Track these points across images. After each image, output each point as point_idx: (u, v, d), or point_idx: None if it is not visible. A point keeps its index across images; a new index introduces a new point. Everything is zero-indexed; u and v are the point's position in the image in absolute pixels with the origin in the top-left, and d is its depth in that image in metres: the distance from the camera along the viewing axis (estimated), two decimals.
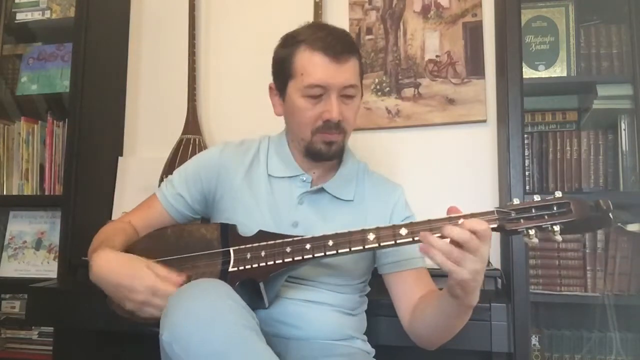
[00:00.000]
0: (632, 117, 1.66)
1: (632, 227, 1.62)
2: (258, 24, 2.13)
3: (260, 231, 1.12)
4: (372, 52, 2.00)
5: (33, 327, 2.03)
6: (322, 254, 1.04)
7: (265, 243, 1.08)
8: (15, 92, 2.16)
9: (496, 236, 1.76)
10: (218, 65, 2.18)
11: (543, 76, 1.76)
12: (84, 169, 1.96)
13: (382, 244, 1.01)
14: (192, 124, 2.04)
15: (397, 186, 1.32)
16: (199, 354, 0.85)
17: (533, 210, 0.95)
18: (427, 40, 1.96)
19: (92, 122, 2.02)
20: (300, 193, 1.22)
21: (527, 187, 1.69)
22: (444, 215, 0.97)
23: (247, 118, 2.07)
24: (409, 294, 1.19)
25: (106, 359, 1.86)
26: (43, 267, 2.07)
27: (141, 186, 2.04)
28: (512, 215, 0.95)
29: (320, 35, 1.15)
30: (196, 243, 1.15)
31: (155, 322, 0.95)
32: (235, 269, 1.08)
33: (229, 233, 1.14)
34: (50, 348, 1.88)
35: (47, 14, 2.13)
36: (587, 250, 1.65)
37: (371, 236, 1.02)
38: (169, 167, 1.91)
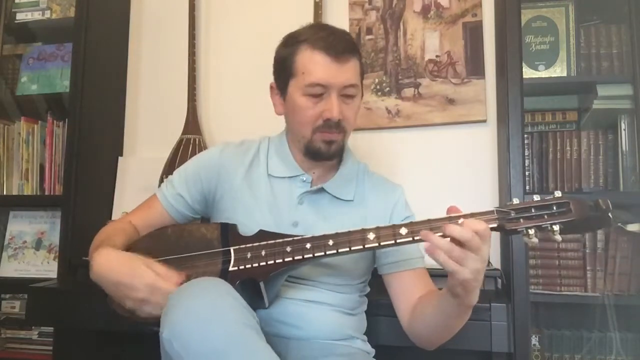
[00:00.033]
0: (632, 117, 1.66)
1: (632, 227, 1.62)
2: (258, 24, 2.14)
3: (260, 231, 1.12)
4: (372, 52, 2.00)
5: (33, 327, 2.02)
6: (322, 253, 1.04)
7: (265, 242, 1.08)
8: (15, 92, 2.16)
9: (496, 236, 1.77)
10: (218, 65, 2.18)
11: (543, 76, 1.76)
12: (84, 169, 1.96)
13: (382, 244, 1.01)
14: (192, 124, 2.04)
15: (397, 186, 1.33)
16: (199, 352, 0.85)
17: (533, 210, 0.95)
18: (427, 40, 1.96)
19: (92, 122, 2.02)
20: (301, 193, 1.23)
21: (527, 187, 1.69)
22: (443, 215, 0.98)
23: (247, 118, 2.07)
24: (409, 294, 1.19)
25: (106, 359, 1.86)
26: (43, 267, 2.07)
27: (141, 186, 2.04)
28: (512, 215, 0.96)
29: (322, 35, 1.16)
30: (196, 243, 1.15)
31: (155, 322, 0.95)
32: (236, 268, 1.08)
33: (229, 232, 1.15)
34: (50, 348, 1.87)
35: (47, 14, 2.13)
36: (587, 250, 1.65)
37: (371, 236, 1.02)
38: (169, 167, 1.91)
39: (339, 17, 2.03)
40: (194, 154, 1.91)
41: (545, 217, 0.94)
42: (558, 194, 0.95)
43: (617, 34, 1.73)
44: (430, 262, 1.24)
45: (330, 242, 1.04)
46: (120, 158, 2.17)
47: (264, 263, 1.07)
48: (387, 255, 1.21)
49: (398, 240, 1.00)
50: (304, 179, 1.24)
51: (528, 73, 1.74)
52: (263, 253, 1.07)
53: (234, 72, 2.15)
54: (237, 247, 1.11)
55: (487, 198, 1.86)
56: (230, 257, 1.10)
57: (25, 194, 2.09)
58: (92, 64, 2.01)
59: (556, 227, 0.92)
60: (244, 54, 2.14)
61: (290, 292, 1.15)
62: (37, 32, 2.19)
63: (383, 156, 1.95)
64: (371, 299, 1.31)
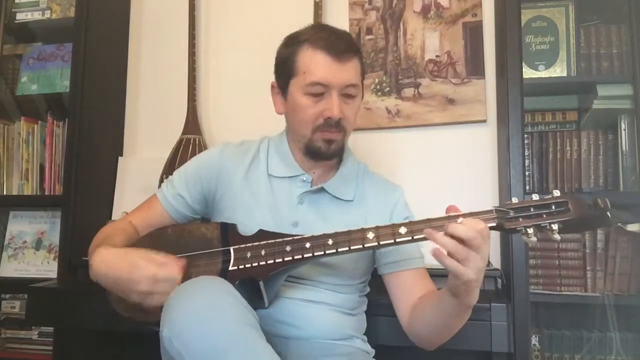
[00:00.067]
0: (632, 117, 1.66)
1: (632, 227, 1.62)
2: (258, 24, 2.14)
3: (260, 230, 1.12)
4: (372, 52, 2.00)
5: (33, 327, 2.02)
6: (322, 252, 1.04)
7: (265, 242, 1.08)
8: (15, 92, 2.16)
9: (496, 236, 1.77)
10: (218, 65, 2.18)
11: (543, 76, 1.76)
12: (84, 169, 1.96)
13: (381, 243, 1.01)
14: (192, 124, 2.04)
15: (397, 187, 1.33)
16: (199, 350, 0.85)
17: (531, 209, 0.95)
18: (427, 40, 1.96)
19: (92, 122, 2.02)
20: (301, 193, 1.23)
21: (527, 187, 1.69)
22: (443, 215, 0.98)
23: (247, 118, 2.07)
24: (408, 294, 1.19)
25: (106, 359, 1.87)
26: (43, 267, 2.07)
27: (141, 186, 2.04)
28: (511, 214, 0.96)
29: (323, 35, 1.17)
30: (196, 242, 1.15)
31: (155, 321, 0.95)
32: (235, 267, 1.08)
33: (229, 232, 1.15)
34: (50, 348, 1.87)
35: (47, 14, 2.13)
36: (587, 250, 1.65)
37: (370, 235, 1.02)
38: (169, 167, 1.91)
39: (339, 17, 2.03)
40: (194, 154, 1.91)
41: (544, 216, 0.94)
42: (557, 193, 0.95)
43: (617, 34, 1.73)
44: (430, 262, 1.24)
45: (330, 242, 1.04)
46: (120, 158, 2.17)
47: (263, 262, 1.07)
48: (387, 255, 1.21)
49: (397, 240, 1.00)
50: (304, 178, 1.24)
51: (528, 73, 1.74)
52: (263, 252, 1.07)
53: (234, 72, 2.15)
54: (236, 246, 1.11)
55: (487, 198, 1.86)
56: (230, 256, 1.10)
57: (25, 194, 2.09)
58: (92, 64, 2.01)
59: (555, 226, 0.92)
60: (244, 54, 2.14)
61: (290, 292, 1.15)
62: (37, 32, 2.19)
63: (383, 156, 1.95)
64: (371, 299, 1.31)
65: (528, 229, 0.94)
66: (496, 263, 1.77)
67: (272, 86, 1.27)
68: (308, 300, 1.16)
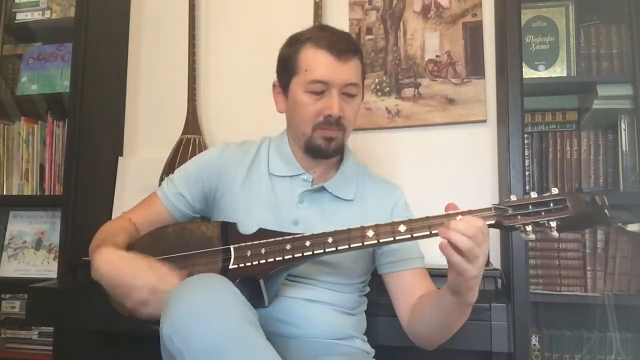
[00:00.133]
0: (632, 117, 1.67)
1: (632, 227, 1.62)
2: (258, 24, 2.14)
3: (260, 229, 1.13)
4: (372, 52, 2.00)
5: (33, 327, 2.02)
6: (322, 250, 1.05)
7: (265, 240, 1.09)
8: (15, 92, 2.16)
9: (496, 236, 1.77)
10: (218, 65, 2.18)
11: (543, 76, 1.76)
12: (84, 169, 1.96)
13: (381, 241, 1.02)
14: (192, 124, 2.04)
15: (397, 187, 1.33)
16: (199, 347, 0.85)
17: (530, 207, 0.96)
18: (427, 40, 1.96)
19: (92, 122, 2.02)
20: (301, 192, 1.23)
21: (527, 187, 1.69)
22: (442, 213, 0.98)
23: (247, 118, 2.07)
24: (408, 294, 1.19)
25: (106, 359, 1.86)
26: (43, 267, 2.07)
27: (141, 186, 2.04)
28: (509, 211, 0.96)
29: (325, 35, 1.19)
30: (197, 241, 1.15)
31: (155, 321, 0.95)
32: (236, 266, 1.09)
33: (229, 231, 1.15)
34: (50, 348, 1.87)
35: (47, 14, 2.13)
36: (587, 250, 1.65)
37: (370, 233, 1.03)
38: (169, 167, 1.91)
39: (339, 17, 2.03)
40: (194, 154, 1.91)
41: (543, 213, 0.95)
42: (555, 190, 0.95)
43: (617, 34, 1.73)
44: (430, 262, 1.25)
45: (330, 240, 1.04)
46: (120, 158, 2.17)
47: (263, 261, 1.07)
48: (387, 255, 1.22)
49: (397, 238, 1.00)
50: (305, 177, 1.24)
51: (528, 73, 1.74)
52: (263, 251, 1.08)
53: (234, 72, 2.15)
54: (237, 245, 1.11)
55: (487, 198, 1.86)
56: (230, 255, 1.10)
57: (25, 194, 2.09)
58: (92, 64, 2.01)
59: (553, 224, 0.93)
60: (244, 54, 2.14)
61: (290, 291, 1.15)
62: (37, 32, 2.19)
63: (383, 156, 1.95)
64: (371, 299, 1.31)
65: (526, 227, 0.95)
66: (496, 263, 1.77)
67: (274, 85, 1.28)
68: (308, 299, 1.16)
